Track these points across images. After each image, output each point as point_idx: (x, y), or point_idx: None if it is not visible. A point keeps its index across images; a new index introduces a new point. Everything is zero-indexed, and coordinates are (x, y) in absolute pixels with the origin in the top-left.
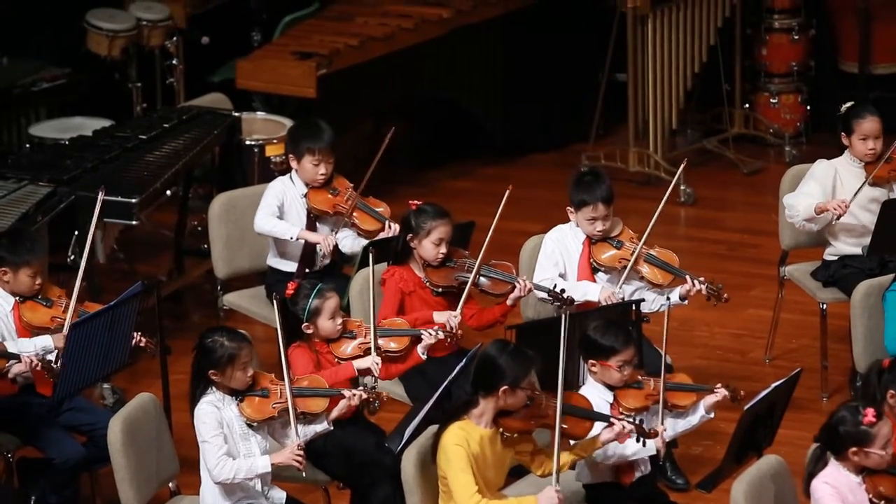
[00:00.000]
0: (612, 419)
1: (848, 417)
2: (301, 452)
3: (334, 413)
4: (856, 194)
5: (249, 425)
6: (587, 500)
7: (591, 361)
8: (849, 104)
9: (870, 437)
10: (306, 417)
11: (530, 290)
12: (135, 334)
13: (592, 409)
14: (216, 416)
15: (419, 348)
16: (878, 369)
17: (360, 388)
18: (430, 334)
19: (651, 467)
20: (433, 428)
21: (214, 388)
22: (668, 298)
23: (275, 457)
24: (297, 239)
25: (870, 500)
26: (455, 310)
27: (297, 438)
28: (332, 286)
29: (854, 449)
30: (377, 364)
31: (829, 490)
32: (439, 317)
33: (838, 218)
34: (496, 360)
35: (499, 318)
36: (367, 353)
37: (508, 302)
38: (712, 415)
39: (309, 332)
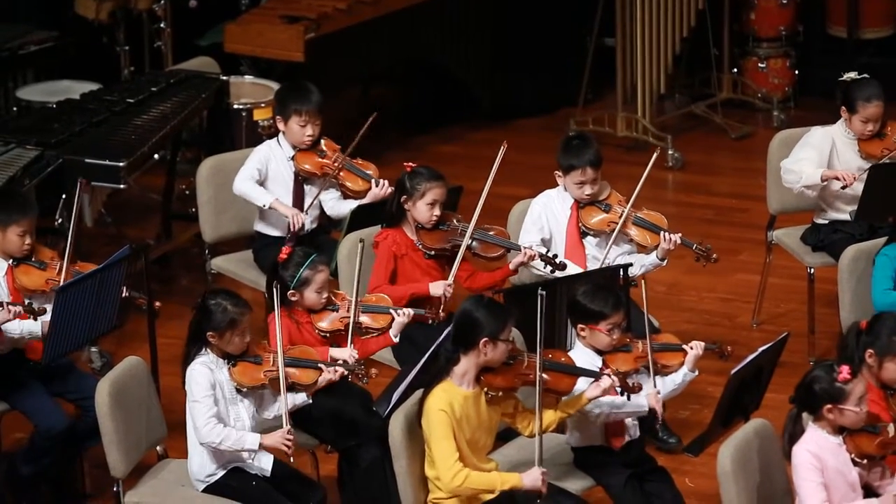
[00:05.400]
0: (596, 374)
1: (822, 375)
2: (291, 437)
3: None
4: (864, 172)
5: (238, 390)
6: (576, 462)
7: (580, 326)
8: (853, 75)
9: (844, 393)
10: (294, 388)
11: (533, 258)
12: (124, 289)
13: (574, 364)
14: (209, 378)
15: (391, 330)
16: (856, 331)
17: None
18: (403, 313)
19: (640, 432)
20: (420, 392)
21: (208, 350)
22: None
23: (265, 438)
24: (269, 207)
25: (851, 459)
26: (447, 272)
27: (285, 408)
28: (324, 259)
29: (829, 406)
30: (353, 357)
31: (808, 458)
32: (435, 288)
33: (843, 188)
34: (473, 314)
35: (497, 283)
36: (346, 327)
37: (511, 267)
38: (696, 372)
39: (294, 299)
